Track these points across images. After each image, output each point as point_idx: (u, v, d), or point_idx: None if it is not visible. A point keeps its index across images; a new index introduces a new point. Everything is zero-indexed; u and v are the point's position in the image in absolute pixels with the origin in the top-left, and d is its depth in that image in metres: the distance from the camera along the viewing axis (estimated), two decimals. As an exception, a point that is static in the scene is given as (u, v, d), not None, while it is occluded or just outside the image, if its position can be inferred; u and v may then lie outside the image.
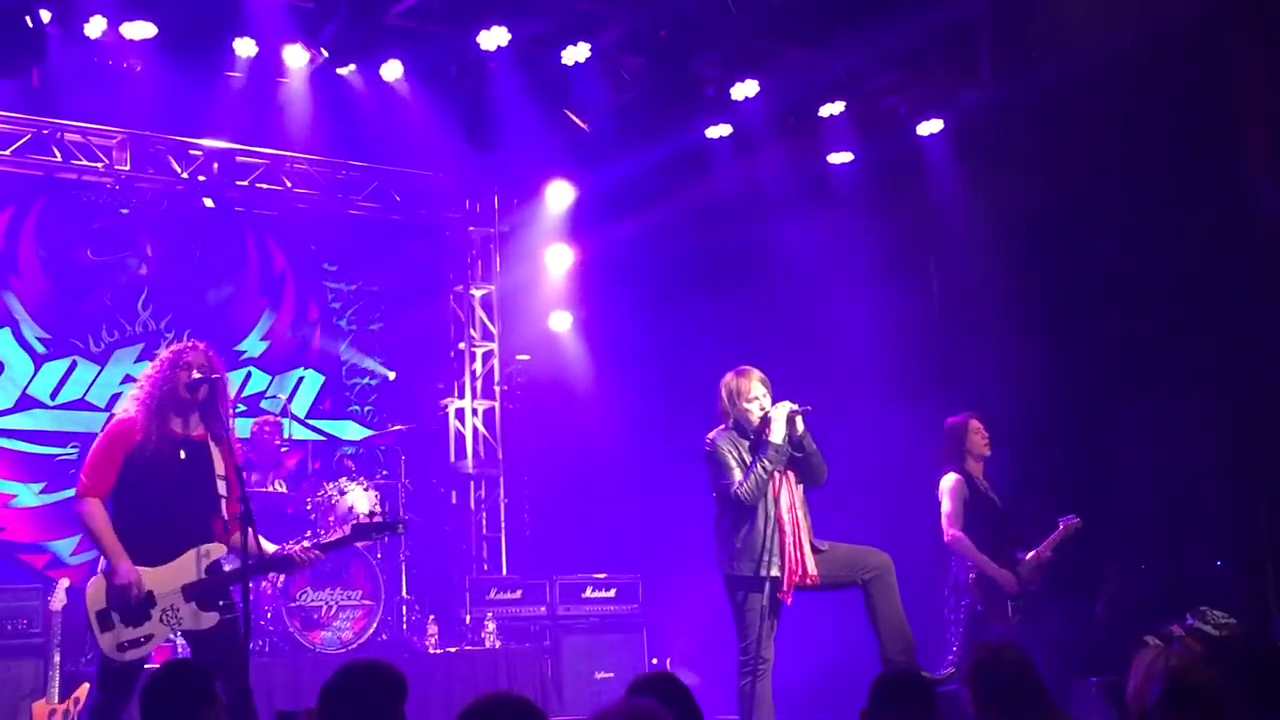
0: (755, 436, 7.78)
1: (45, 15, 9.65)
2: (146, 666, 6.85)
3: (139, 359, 11.94)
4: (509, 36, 10.50)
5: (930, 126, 11.75)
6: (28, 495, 11.66)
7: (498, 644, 11.27)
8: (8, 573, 11.27)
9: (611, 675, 11.37)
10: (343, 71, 11.00)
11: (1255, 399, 10.14)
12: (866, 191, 12.14)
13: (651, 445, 12.49)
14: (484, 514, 13.54)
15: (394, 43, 10.87)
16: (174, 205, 12.31)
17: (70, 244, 11.99)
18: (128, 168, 11.95)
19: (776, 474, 7.71)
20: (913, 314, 11.95)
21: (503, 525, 13.49)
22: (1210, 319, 10.32)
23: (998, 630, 8.72)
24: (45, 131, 11.62)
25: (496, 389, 13.87)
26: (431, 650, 10.97)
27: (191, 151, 12.27)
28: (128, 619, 6.73)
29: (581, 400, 13.33)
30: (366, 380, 13.52)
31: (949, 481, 9.07)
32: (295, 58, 10.88)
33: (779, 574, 7.66)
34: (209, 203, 12.36)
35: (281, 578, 10.10)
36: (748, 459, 7.72)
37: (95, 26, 10.10)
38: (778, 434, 7.67)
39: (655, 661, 11.72)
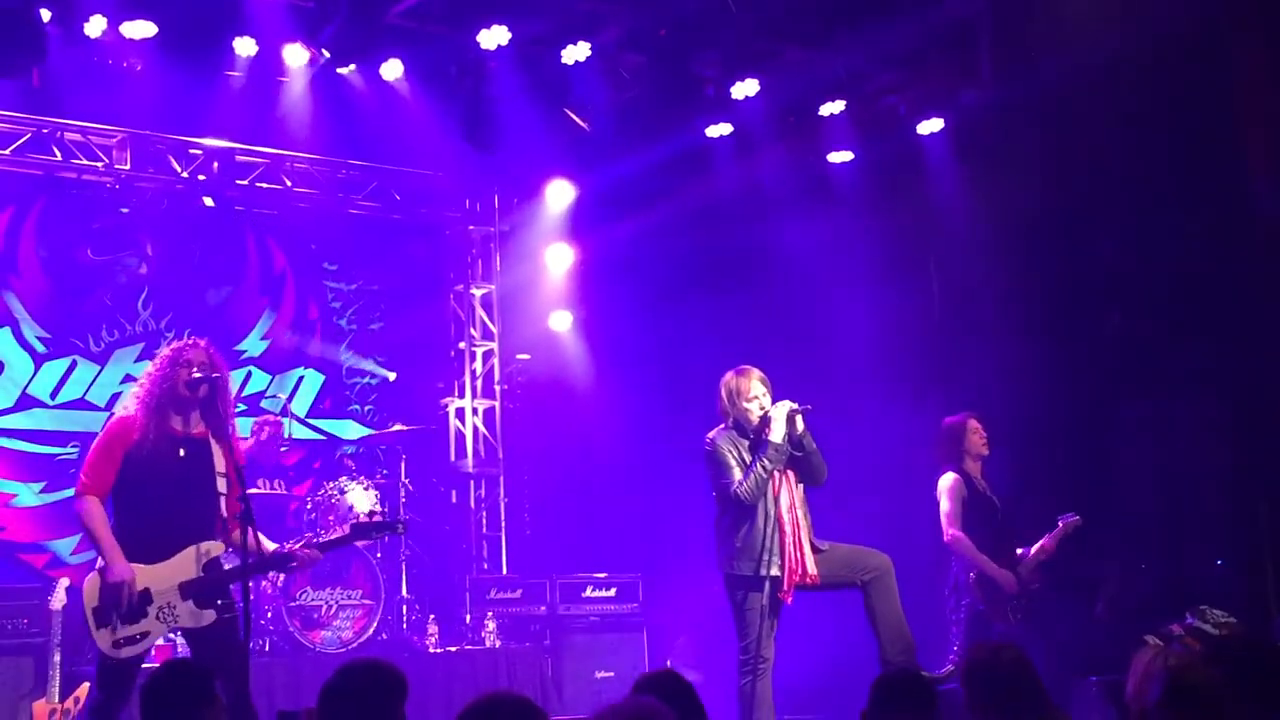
0: (755, 436, 7.79)
1: (45, 14, 9.65)
2: (146, 665, 6.86)
3: (139, 358, 11.94)
4: (509, 36, 10.50)
5: (930, 126, 11.76)
6: (28, 495, 11.66)
7: (498, 643, 11.27)
8: (8, 572, 11.28)
9: (611, 674, 11.37)
10: (343, 71, 11.00)
11: (1255, 399, 10.14)
12: (867, 191, 12.13)
13: (651, 445, 12.49)
14: (484, 513, 13.54)
15: (394, 42, 10.87)
16: (174, 204, 12.30)
17: (70, 243, 11.98)
18: (128, 167, 11.94)
19: (776, 473, 7.72)
20: (913, 313, 11.94)
21: (503, 524, 13.49)
22: (1210, 319, 10.32)
23: (998, 630, 8.72)
24: (45, 131, 11.62)
25: (497, 388, 13.87)
26: (431, 650, 10.97)
27: (191, 151, 12.27)
28: (124, 616, 6.73)
29: (581, 400, 13.33)
30: (367, 379, 13.52)
31: (947, 481, 9.07)
32: (295, 57, 10.89)
33: (779, 573, 7.66)
34: (209, 202, 12.36)
35: (281, 577, 10.10)
36: (748, 458, 7.73)
37: (95, 26, 10.11)
38: (777, 433, 7.67)
39: (667, 664, 11.70)
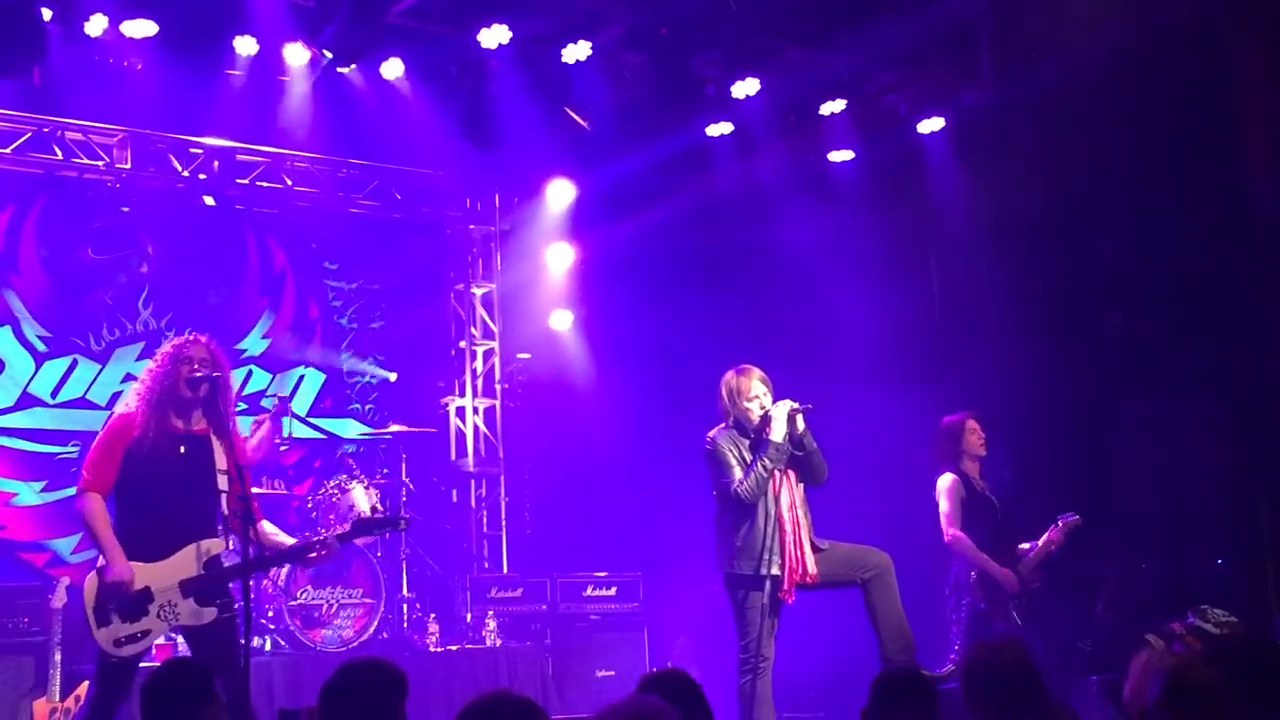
0: (756, 435, 7.79)
1: (46, 13, 9.66)
2: (145, 664, 6.87)
3: (140, 357, 11.92)
4: (510, 35, 10.50)
5: (931, 125, 11.76)
6: (28, 494, 11.65)
7: (498, 642, 11.27)
8: (8, 571, 11.27)
9: (612, 674, 11.38)
10: (343, 70, 11.00)
11: (1255, 399, 10.14)
12: (867, 190, 12.13)
13: (652, 444, 12.49)
14: (485, 512, 13.54)
15: (395, 41, 10.88)
16: (175, 203, 12.30)
17: (71, 242, 11.97)
18: (128, 166, 11.94)
19: (777, 473, 7.73)
20: (913, 313, 11.94)
21: (503, 523, 13.49)
22: (1210, 319, 10.32)
23: (999, 629, 8.72)
24: (46, 130, 11.61)
25: (497, 387, 13.87)
26: (432, 648, 10.97)
27: (192, 150, 12.26)
28: (125, 615, 6.74)
29: (582, 399, 13.33)
30: (367, 378, 13.52)
31: (946, 481, 9.07)
32: (296, 56, 10.90)
33: (779, 573, 7.68)
34: (210, 201, 12.36)
35: (283, 575, 10.11)
36: (748, 457, 7.74)
37: (96, 25, 10.11)
38: (778, 432, 7.68)
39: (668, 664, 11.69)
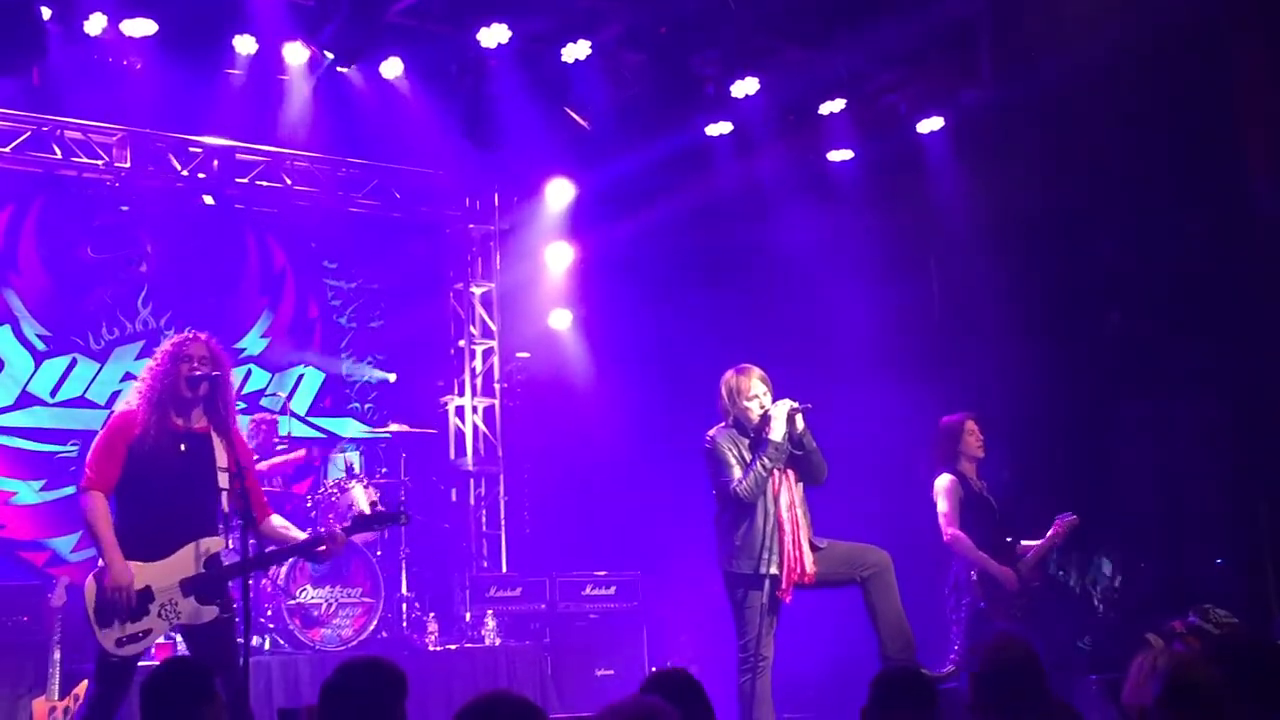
0: (755, 434, 7.79)
1: (46, 12, 9.65)
2: (144, 663, 6.86)
3: (139, 356, 11.92)
4: (509, 34, 10.50)
5: (930, 125, 11.76)
6: (27, 493, 11.66)
7: (497, 641, 11.27)
8: (8, 570, 11.28)
9: (611, 673, 11.39)
10: (343, 69, 10.99)
11: (1255, 399, 10.14)
12: (867, 189, 12.13)
13: (651, 443, 12.49)
14: (484, 511, 13.54)
15: (394, 40, 10.88)
16: (174, 203, 12.30)
17: (70, 241, 11.97)
18: (128, 165, 11.94)
19: (776, 472, 7.73)
20: (913, 312, 11.94)
21: (502, 523, 13.49)
22: (1210, 319, 10.32)
23: (1000, 628, 8.72)
24: (45, 129, 11.61)
25: (496, 386, 13.87)
26: (431, 648, 10.97)
27: (192, 149, 12.26)
28: (126, 615, 6.73)
29: (581, 398, 13.33)
30: (366, 378, 13.52)
31: (944, 482, 9.06)
32: (295, 55, 10.90)
33: (778, 572, 7.67)
34: (209, 200, 12.36)
35: (282, 574, 10.11)
36: (748, 457, 7.74)
37: (95, 24, 10.11)
38: (777, 432, 7.68)
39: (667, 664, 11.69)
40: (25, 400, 11.79)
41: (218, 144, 12.30)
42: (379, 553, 10.97)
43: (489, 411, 13.81)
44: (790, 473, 7.82)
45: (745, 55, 11.25)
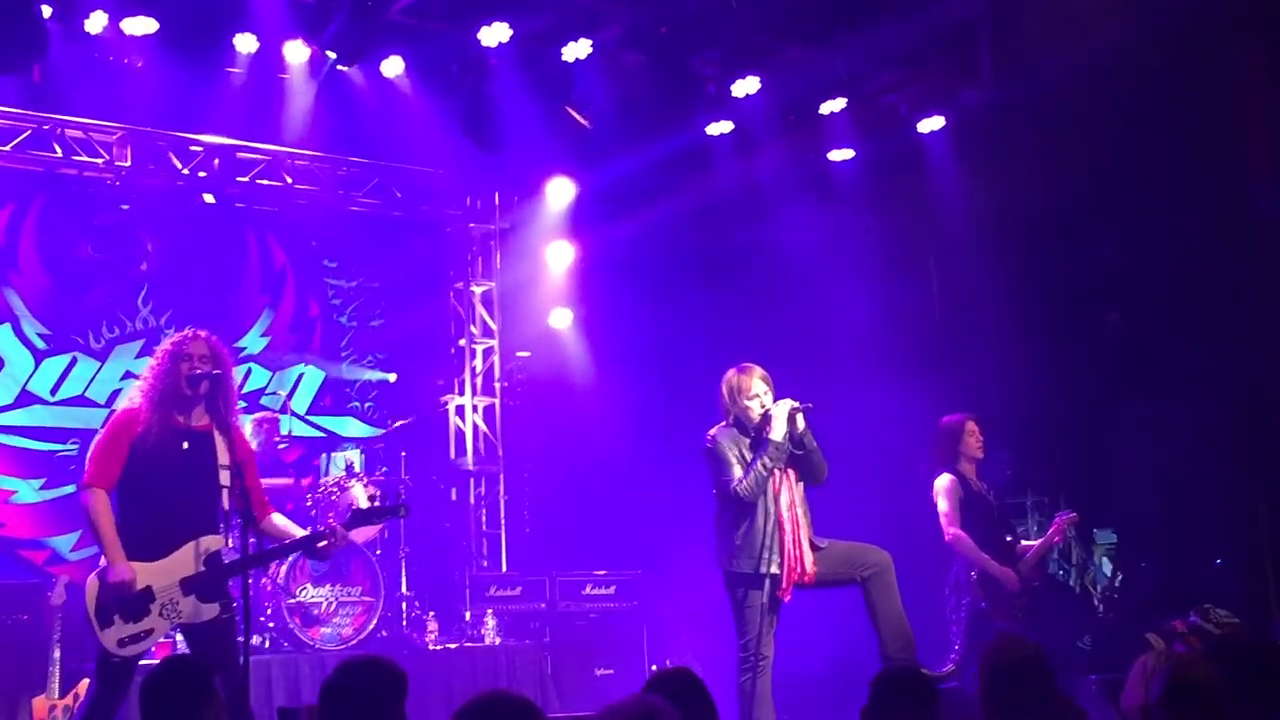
0: (756, 434, 7.79)
1: (46, 10, 9.66)
2: (144, 662, 6.86)
3: (139, 355, 11.93)
4: (510, 33, 10.50)
5: (931, 124, 11.77)
6: (27, 491, 11.66)
7: (497, 640, 11.27)
8: (8, 569, 11.29)
9: (611, 672, 11.39)
10: (344, 68, 10.99)
11: (1255, 399, 10.14)
12: (867, 189, 12.14)
13: (651, 442, 12.49)
14: (484, 511, 13.54)
15: (395, 39, 10.89)
16: (174, 201, 12.30)
17: (71, 240, 11.96)
18: (128, 164, 11.94)
19: (777, 471, 7.72)
20: (913, 312, 11.95)
21: (502, 522, 13.49)
22: (1210, 319, 10.32)
23: (1000, 628, 8.71)
24: (46, 127, 11.61)
25: (497, 386, 13.87)
26: (431, 647, 10.97)
27: (192, 148, 12.26)
28: (127, 615, 6.72)
29: (582, 397, 13.33)
30: (366, 379, 13.53)
31: (943, 482, 9.05)
32: (296, 54, 10.90)
33: (778, 571, 7.67)
34: (209, 199, 12.36)
35: (282, 573, 10.11)
36: (748, 456, 7.73)
37: (96, 22, 10.12)
38: (778, 431, 7.67)
39: (667, 663, 11.69)
40: (25, 399, 11.80)
41: (218, 143, 12.30)
42: (379, 552, 10.97)
43: (489, 411, 13.81)
44: (791, 472, 7.81)
45: (746, 55, 11.26)
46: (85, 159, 11.83)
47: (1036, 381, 10.92)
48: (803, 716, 9.60)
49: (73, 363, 12.03)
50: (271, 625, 10.24)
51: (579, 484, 13.27)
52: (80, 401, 12.02)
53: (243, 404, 11.37)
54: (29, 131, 11.55)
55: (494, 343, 13.91)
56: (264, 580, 10.11)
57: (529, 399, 13.88)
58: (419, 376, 13.73)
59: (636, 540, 12.43)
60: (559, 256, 13.82)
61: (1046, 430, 10.99)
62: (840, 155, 12.25)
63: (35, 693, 9.23)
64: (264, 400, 12.48)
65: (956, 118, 11.67)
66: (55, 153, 11.72)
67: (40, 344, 11.89)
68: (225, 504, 6.97)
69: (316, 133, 12.16)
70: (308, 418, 13.04)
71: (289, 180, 12.82)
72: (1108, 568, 10.81)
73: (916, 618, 7.96)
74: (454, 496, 13.49)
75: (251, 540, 6.86)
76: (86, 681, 8.70)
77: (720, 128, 11.98)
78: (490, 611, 11.45)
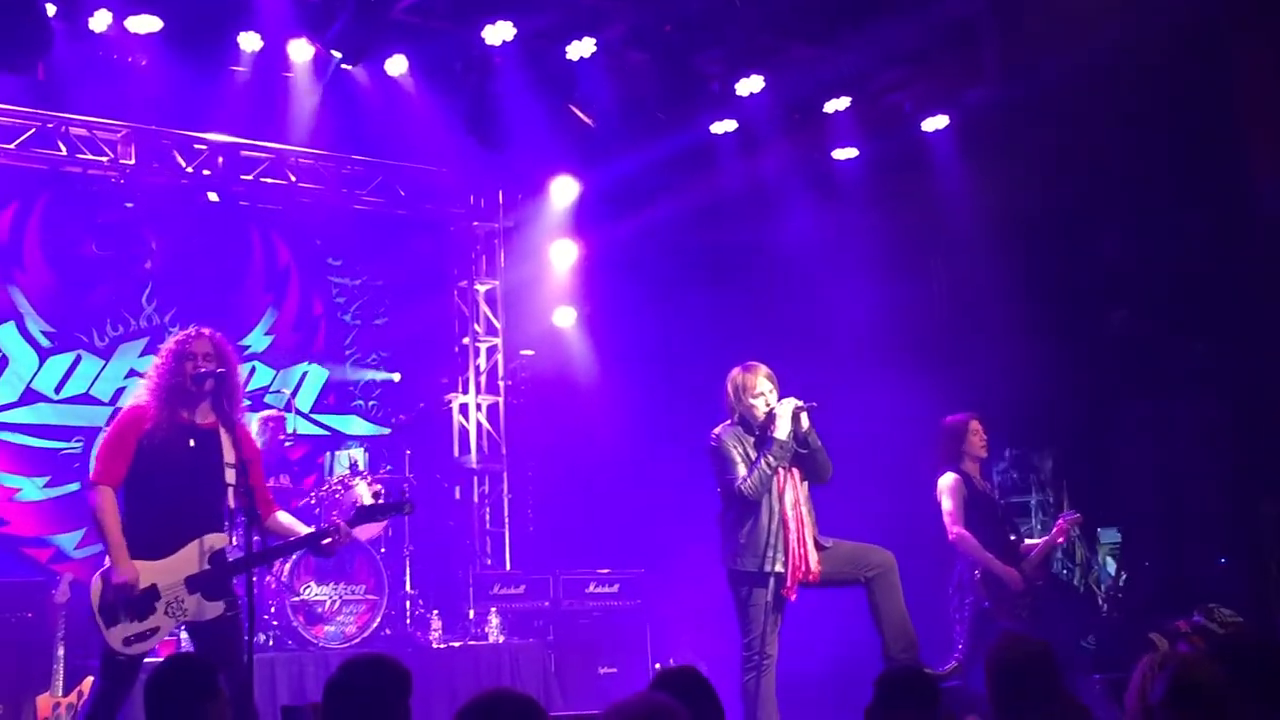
0: (761, 432, 7.79)
1: (51, 9, 9.66)
2: (149, 660, 6.87)
3: (143, 353, 11.94)
4: (514, 31, 10.51)
5: (935, 123, 11.76)
6: (32, 489, 11.67)
7: (501, 639, 11.28)
8: (12, 567, 11.30)
9: (615, 670, 11.40)
10: (348, 66, 10.99)
11: (1255, 399, 10.14)
12: (871, 188, 12.14)
13: (655, 441, 12.50)
14: (487, 509, 13.54)
15: (399, 38, 10.89)
16: (178, 199, 12.30)
17: (75, 238, 11.97)
18: (132, 162, 11.94)
19: (781, 470, 7.73)
20: (917, 311, 11.95)
21: (506, 520, 13.49)
22: (1211, 318, 10.33)
23: (1004, 628, 8.72)
24: (50, 125, 11.62)
25: (500, 384, 13.87)
26: (435, 645, 10.97)
27: (196, 146, 12.26)
28: (132, 614, 6.73)
29: (585, 395, 13.33)
30: (369, 380, 13.54)
31: (947, 481, 9.06)
32: (300, 52, 10.90)
33: (783, 570, 7.67)
34: (213, 197, 12.38)
35: (286, 571, 10.13)
36: (753, 455, 7.74)
37: (100, 20, 10.13)
38: (783, 430, 7.68)
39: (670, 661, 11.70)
40: (30, 397, 11.81)
41: (222, 141, 12.30)
42: (383, 550, 10.98)
43: (493, 409, 13.82)
44: (795, 471, 7.82)
45: (750, 53, 11.26)
46: (90, 157, 11.83)
47: (1038, 381, 10.92)
48: (805, 716, 9.61)
49: (77, 361, 12.04)
50: (275, 623, 10.25)
51: (583, 482, 13.28)
52: (84, 399, 12.03)
53: (247, 402, 11.44)
54: (33, 129, 11.55)
55: (498, 341, 13.92)
56: (268, 578, 10.12)
57: (533, 397, 13.88)
58: (423, 375, 13.74)
59: (640, 538, 12.44)
60: (563, 255, 13.82)
61: (1047, 430, 10.99)
62: (844, 154, 12.24)
63: (39, 690, 9.25)
64: (268, 399, 12.49)
65: (960, 116, 11.67)
66: (60, 151, 11.72)
67: (45, 342, 11.91)
68: (230, 502, 6.98)
69: (321, 131, 12.16)
70: (312, 416, 13.05)
71: (293, 178, 12.82)
72: (1111, 567, 10.82)
73: (920, 617, 7.97)
74: (458, 495, 13.49)
75: (255, 538, 6.86)
76: (90, 679, 8.72)
77: (724, 126, 11.98)
78: (494, 610, 11.45)
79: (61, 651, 9.19)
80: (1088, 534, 10.59)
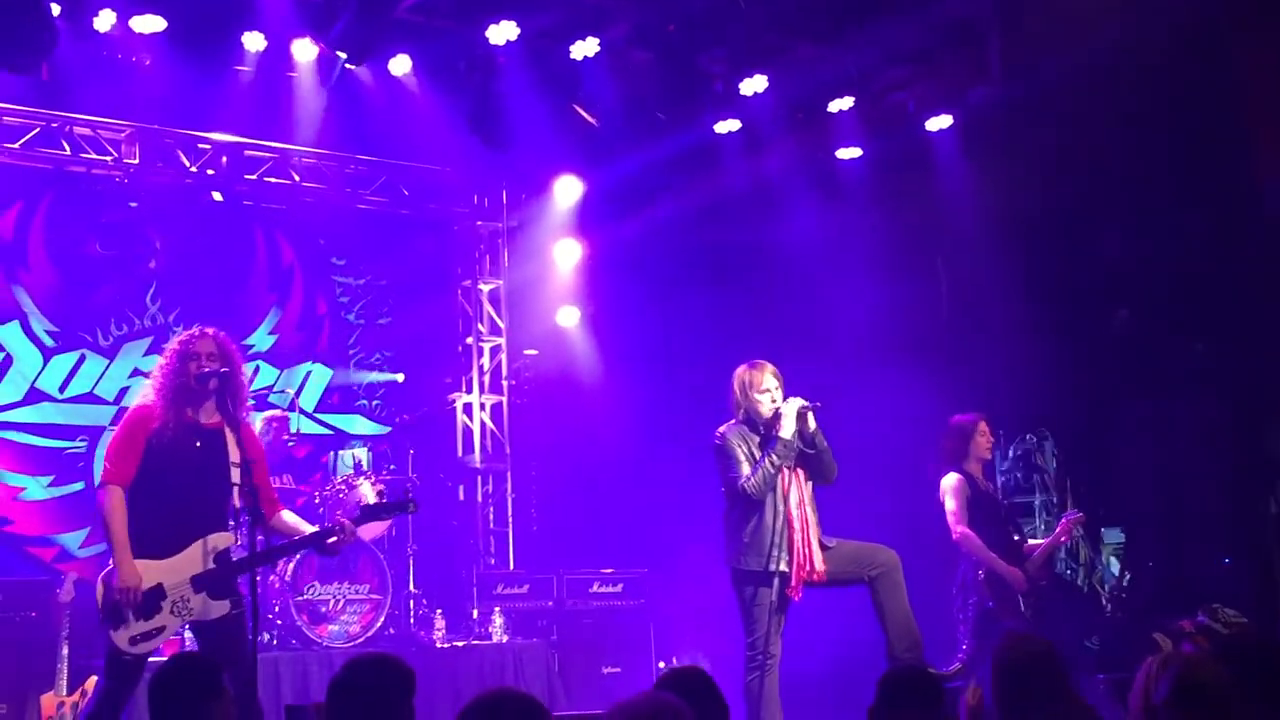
0: (766, 431, 7.79)
1: (55, 9, 9.66)
2: (153, 659, 6.88)
3: (147, 352, 11.95)
4: (518, 31, 10.51)
5: (939, 122, 11.75)
6: (36, 488, 11.68)
7: (505, 638, 11.28)
8: (16, 566, 11.30)
9: (618, 670, 11.39)
10: (351, 66, 11.00)
11: (1255, 399, 10.14)
12: (875, 188, 12.14)
13: (659, 440, 12.50)
14: (491, 508, 13.54)
15: (403, 37, 10.90)
16: (183, 199, 12.31)
17: (79, 238, 11.98)
18: (136, 161, 11.95)
19: (786, 470, 7.73)
20: (920, 310, 11.94)
21: (510, 520, 13.48)
22: (1211, 319, 10.32)
23: (1008, 627, 8.71)
24: (54, 125, 11.62)
25: (504, 384, 13.87)
26: (439, 644, 10.97)
27: (200, 145, 12.26)
28: (138, 614, 6.74)
29: (589, 395, 13.33)
30: (373, 381, 13.54)
31: (951, 481, 9.05)
32: (304, 52, 10.91)
33: (787, 569, 7.68)
34: (217, 196, 12.38)
35: (290, 571, 10.13)
36: (758, 454, 7.74)
37: (105, 20, 10.14)
38: (788, 429, 7.69)
39: (674, 660, 11.70)
40: (34, 396, 11.81)
41: (226, 140, 12.31)
42: (386, 549, 10.98)
43: (496, 409, 13.81)
44: (800, 471, 7.82)
45: (754, 53, 11.26)
46: (94, 156, 11.84)
47: (1040, 379, 10.92)
48: (808, 715, 9.61)
49: (81, 360, 12.04)
50: (279, 623, 10.25)
51: (586, 482, 13.28)
52: (89, 399, 12.04)
53: (251, 401, 11.44)
54: (38, 129, 11.56)
55: (501, 341, 13.91)
56: (271, 578, 10.12)
57: (536, 397, 13.88)
58: (426, 374, 13.74)
59: (644, 538, 12.44)
60: (566, 254, 13.82)
61: (1048, 429, 10.99)
62: (848, 153, 12.24)
63: (43, 689, 9.25)
64: (272, 398, 12.49)
65: (963, 116, 11.66)
66: (64, 150, 11.73)
67: (49, 341, 11.91)
68: (236, 501, 6.99)
69: (324, 130, 12.16)
70: (316, 415, 13.05)
71: (297, 178, 12.82)
72: (1115, 567, 10.81)
73: (924, 617, 7.98)
74: (461, 494, 13.49)
75: (259, 538, 6.86)
76: (94, 678, 8.72)
77: (728, 126, 11.98)
78: (498, 609, 11.45)
79: (65, 651, 9.20)
80: (1091, 534, 10.59)
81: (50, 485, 11.72)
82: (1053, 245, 11.18)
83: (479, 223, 13.95)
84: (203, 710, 4.80)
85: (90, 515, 11.18)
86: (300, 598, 10.22)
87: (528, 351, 13.93)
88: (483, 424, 13.69)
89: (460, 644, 11.11)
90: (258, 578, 6.75)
